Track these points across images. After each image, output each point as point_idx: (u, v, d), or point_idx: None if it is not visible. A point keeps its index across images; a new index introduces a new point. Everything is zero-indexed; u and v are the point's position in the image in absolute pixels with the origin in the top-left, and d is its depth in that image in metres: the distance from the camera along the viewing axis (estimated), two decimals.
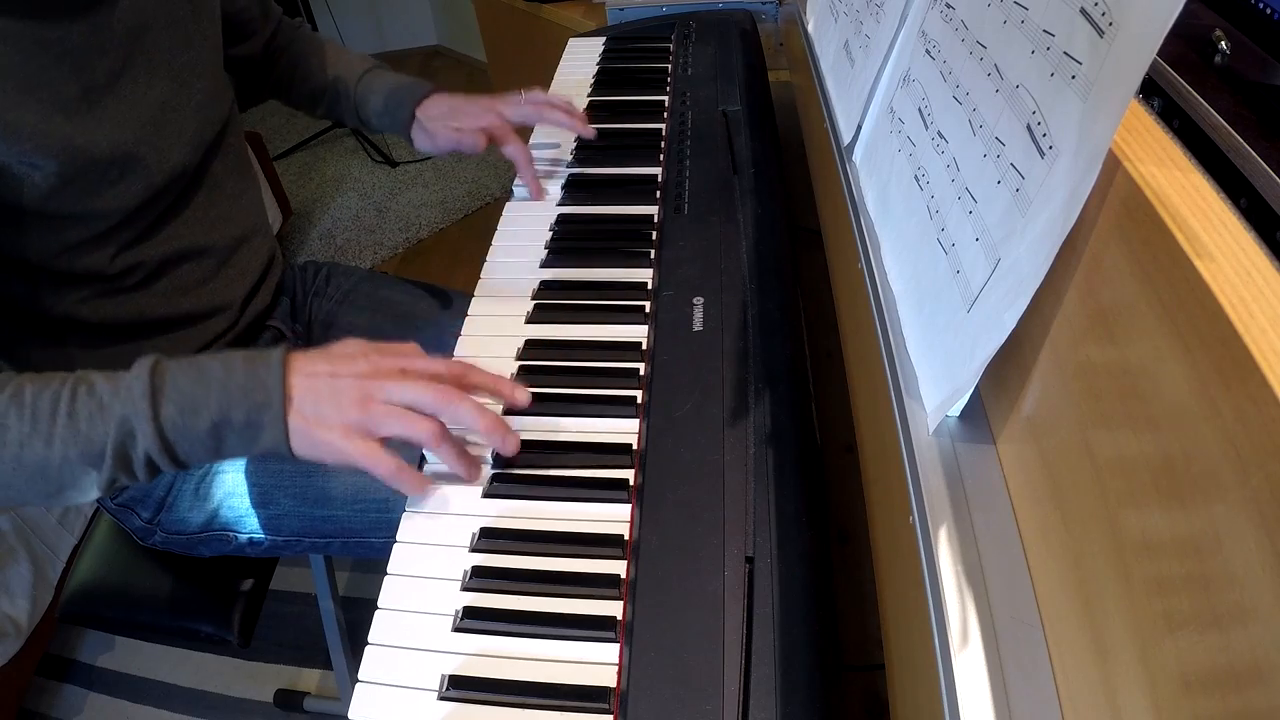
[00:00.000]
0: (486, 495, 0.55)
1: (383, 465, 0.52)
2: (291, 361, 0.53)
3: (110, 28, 0.62)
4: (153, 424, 0.50)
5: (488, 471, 0.56)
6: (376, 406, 0.52)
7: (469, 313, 0.70)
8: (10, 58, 0.55)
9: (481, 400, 0.57)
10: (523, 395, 0.59)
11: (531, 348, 0.66)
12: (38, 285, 0.65)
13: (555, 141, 0.93)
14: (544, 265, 0.75)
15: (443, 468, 0.56)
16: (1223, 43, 0.42)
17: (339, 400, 0.52)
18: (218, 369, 0.52)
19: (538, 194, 0.84)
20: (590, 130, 0.89)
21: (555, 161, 0.90)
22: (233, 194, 0.78)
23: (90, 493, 0.53)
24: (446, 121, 0.86)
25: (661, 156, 0.88)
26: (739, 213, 0.77)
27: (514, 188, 0.86)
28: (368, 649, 0.47)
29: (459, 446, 0.55)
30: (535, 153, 0.92)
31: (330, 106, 0.92)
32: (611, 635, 0.47)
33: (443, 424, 0.53)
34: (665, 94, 0.99)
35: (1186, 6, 0.28)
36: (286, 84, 0.92)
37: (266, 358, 0.53)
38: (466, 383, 0.56)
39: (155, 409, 0.50)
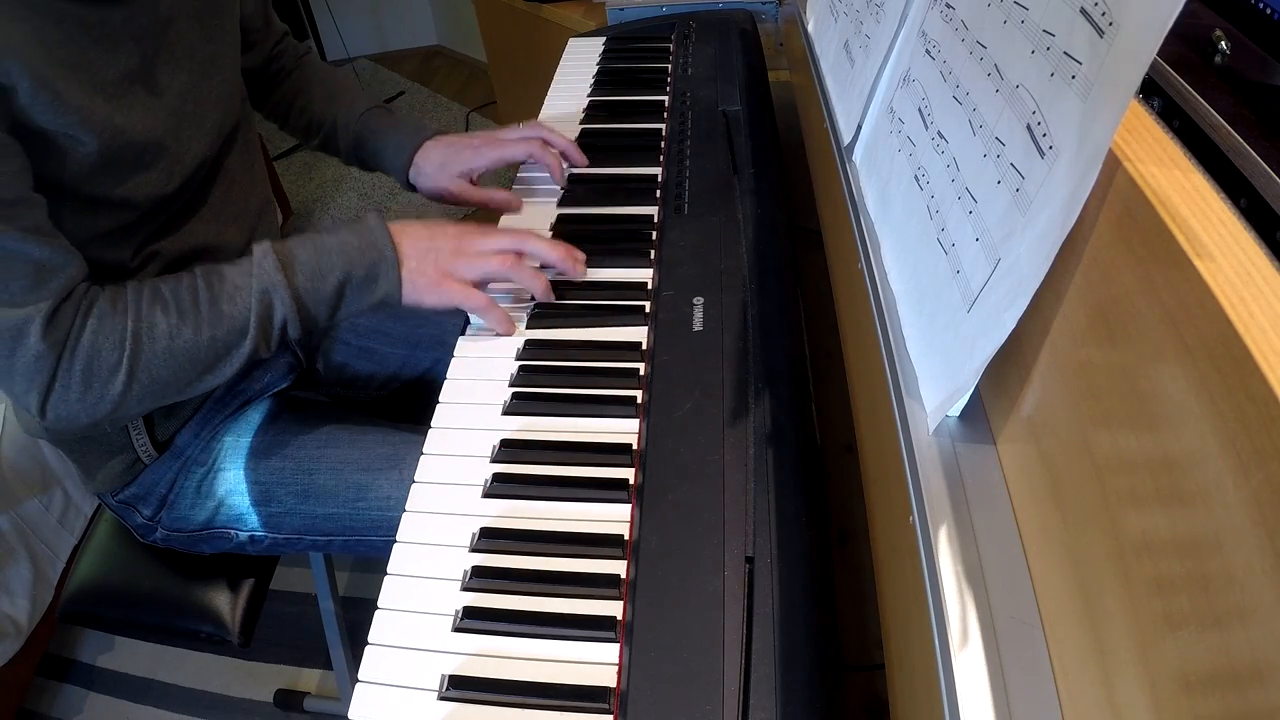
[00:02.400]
0: (486, 495, 0.55)
1: (476, 300, 0.66)
2: (391, 226, 0.66)
3: (143, 16, 0.63)
4: (288, 290, 0.61)
5: (488, 471, 0.56)
6: (467, 259, 0.66)
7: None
8: (58, 34, 0.57)
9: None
10: (579, 268, 0.71)
11: (531, 348, 0.66)
12: None
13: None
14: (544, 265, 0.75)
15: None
16: (1223, 43, 0.42)
17: (438, 255, 0.66)
18: (330, 240, 0.64)
19: (559, 177, 0.85)
20: (583, 160, 0.88)
21: (568, 164, 0.90)
22: (246, 189, 0.79)
23: (227, 372, 0.62)
24: (449, 170, 0.84)
25: (661, 156, 0.88)
26: (739, 213, 0.77)
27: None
28: (368, 649, 0.47)
29: (531, 271, 0.68)
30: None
31: (326, 141, 0.91)
32: (611, 635, 0.47)
33: (519, 257, 0.68)
34: (665, 94, 0.99)
35: (1186, 6, 0.28)
36: (285, 110, 0.91)
37: (366, 223, 0.65)
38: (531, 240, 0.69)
39: (289, 279, 0.61)
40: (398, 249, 0.64)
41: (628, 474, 0.55)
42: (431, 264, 0.65)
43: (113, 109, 0.61)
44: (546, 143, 0.85)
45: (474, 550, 0.52)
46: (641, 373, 0.63)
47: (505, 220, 0.82)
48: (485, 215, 0.82)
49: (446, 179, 0.84)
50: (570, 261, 0.69)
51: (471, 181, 0.85)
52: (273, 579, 0.86)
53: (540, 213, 0.82)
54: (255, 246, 0.62)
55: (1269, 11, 0.42)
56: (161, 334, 0.58)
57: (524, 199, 0.84)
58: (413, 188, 0.87)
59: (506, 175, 0.92)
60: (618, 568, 0.50)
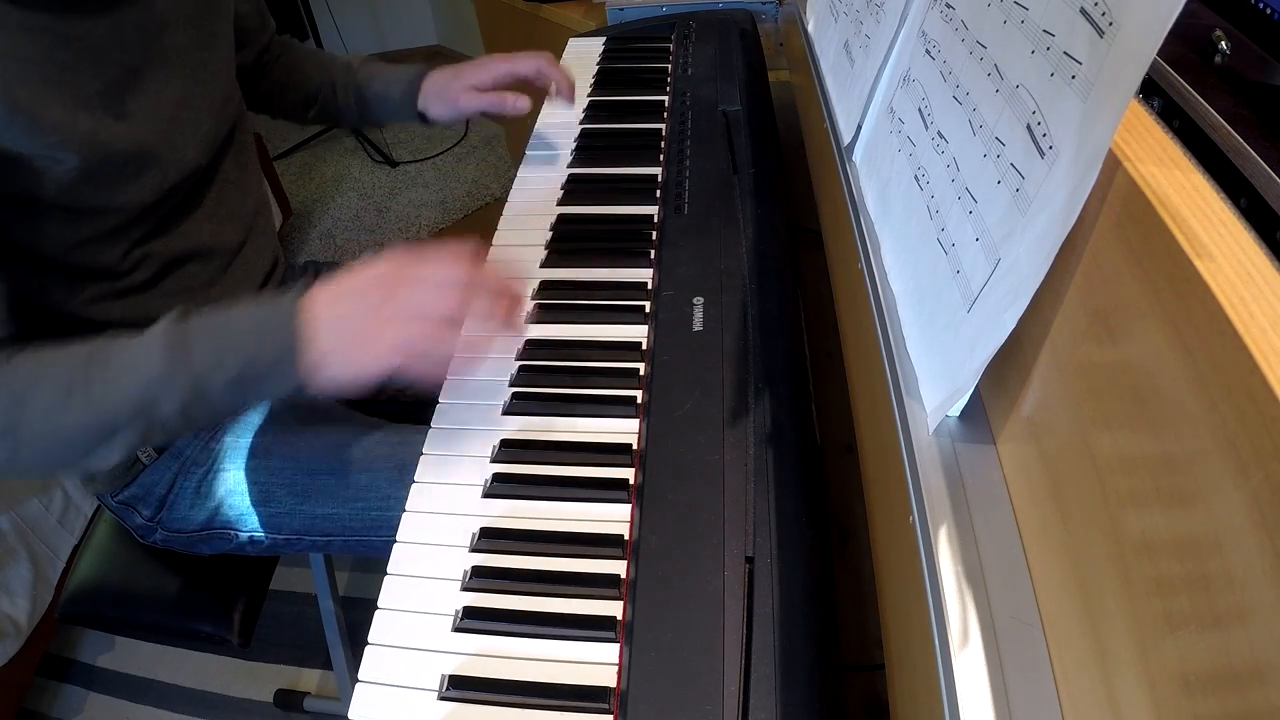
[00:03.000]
0: (486, 495, 0.55)
1: (403, 358, 0.53)
2: (312, 296, 0.54)
3: (131, 25, 0.62)
4: (180, 378, 0.52)
5: (488, 471, 0.56)
6: (390, 330, 0.53)
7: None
8: (35, 51, 0.56)
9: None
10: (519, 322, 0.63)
11: (532, 347, 0.66)
12: (49, 282, 0.65)
13: (555, 141, 0.93)
14: (544, 265, 0.75)
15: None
16: (1223, 43, 0.42)
17: (359, 327, 0.53)
18: (238, 318, 0.54)
19: (571, 96, 0.88)
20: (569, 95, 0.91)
21: (555, 161, 0.90)
22: (241, 192, 0.79)
23: (117, 454, 0.55)
24: (457, 83, 0.87)
25: (661, 156, 0.88)
26: (739, 213, 0.77)
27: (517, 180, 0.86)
28: (368, 649, 0.47)
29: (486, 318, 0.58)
30: (534, 153, 0.92)
31: (324, 107, 0.92)
32: (611, 635, 0.47)
33: (456, 323, 0.55)
34: (665, 94, 0.99)
35: (1186, 6, 0.28)
36: (278, 94, 0.92)
37: (281, 302, 0.54)
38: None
39: (183, 364, 0.52)
40: (312, 324, 0.53)
41: (628, 474, 0.55)
42: (353, 336, 0.53)
43: (96, 123, 0.60)
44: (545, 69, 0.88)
45: (474, 550, 0.52)
46: (641, 373, 0.63)
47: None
48: (485, 214, 0.82)
49: (456, 92, 0.86)
50: (506, 309, 0.58)
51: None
52: (273, 579, 0.86)
53: (541, 213, 0.82)
54: (162, 318, 0.54)
55: (1269, 11, 0.42)
56: (39, 410, 0.52)
57: (524, 201, 0.84)
58: (423, 119, 0.89)
59: (507, 176, 0.92)
60: (618, 568, 0.50)
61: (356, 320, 0.53)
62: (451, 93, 0.86)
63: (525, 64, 0.87)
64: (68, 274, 0.65)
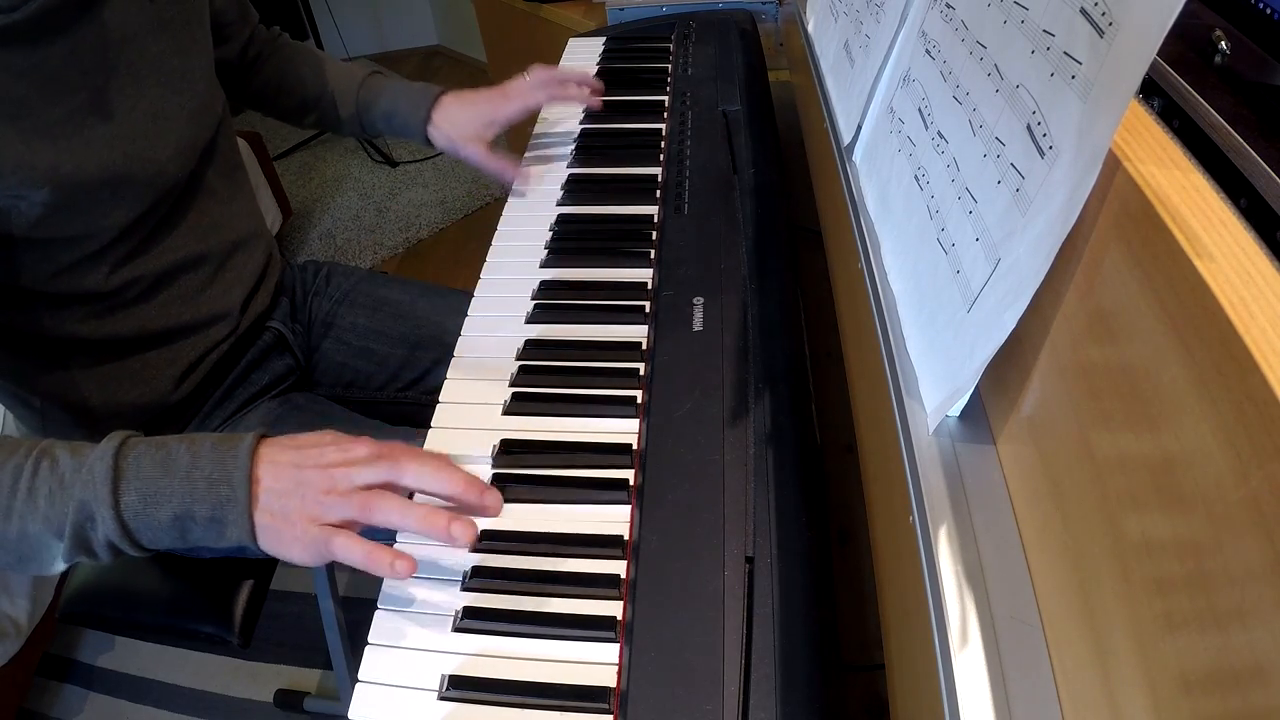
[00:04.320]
0: None
1: (354, 553, 0.49)
2: (260, 452, 0.50)
3: (91, 45, 0.60)
4: (112, 510, 0.48)
5: (488, 471, 0.56)
6: (340, 497, 0.49)
7: (469, 312, 0.70)
8: None
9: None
10: (493, 501, 0.53)
11: (531, 348, 0.66)
12: (34, 309, 0.64)
13: (555, 141, 0.93)
14: (544, 265, 0.75)
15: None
16: (1223, 43, 0.42)
17: (304, 494, 0.49)
18: (184, 457, 0.50)
19: (596, 103, 0.89)
20: (598, 101, 0.92)
21: (555, 161, 0.90)
22: (225, 200, 0.77)
23: (54, 566, 0.51)
24: (473, 124, 0.87)
25: (661, 156, 0.88)
26: (739, 213, 0.77)
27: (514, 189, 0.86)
28: (368, 649, 0.47)
29: (436, 516, 0.49)
30: (534, 152, 0.92)
31: (324, 115, 0.91)
32: (611, 635, 0.47)
33: (411, 507, 0.50)
34: (665, 94, 0.99)
35: (1186, 6, 0.28)
36: (272, 94, 0.91)
37: (235, 448, 0.50)
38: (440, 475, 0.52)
39: (115, 496, 0.48)
40: (253, 488, 0.49)
41: (628, 474, 0.55)
42: (296, 507, 0.49)
43: (59, 154, 0.57)
44: (561, 82, 0.89)
45: (474, 550, 0.52)
46: (641, 373, 0.63)
47: (508, 209, 0.82)
48: (485, 214, 0.82)
49: (467, 136, 0.86)
50: (469, 490, 0.51)
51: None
52: (273, 579, 0.86)
53: (541, 213, 0.82)
54: (108, 436, 0.51)
55: (1269, 11, 0.42)
56: None
57: (524, 201, 0.84)
58: (428, 143, 0.89)
59: (520, 143, 0.93)
60: (618, 568, 0.50)
61: (302, 486, 0.50)
62: (463, 137, 0.86)
63: (538, 96, 0.88)
64: (53, 300, 0.64)
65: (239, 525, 0.49)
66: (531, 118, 0.95)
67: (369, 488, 0.50)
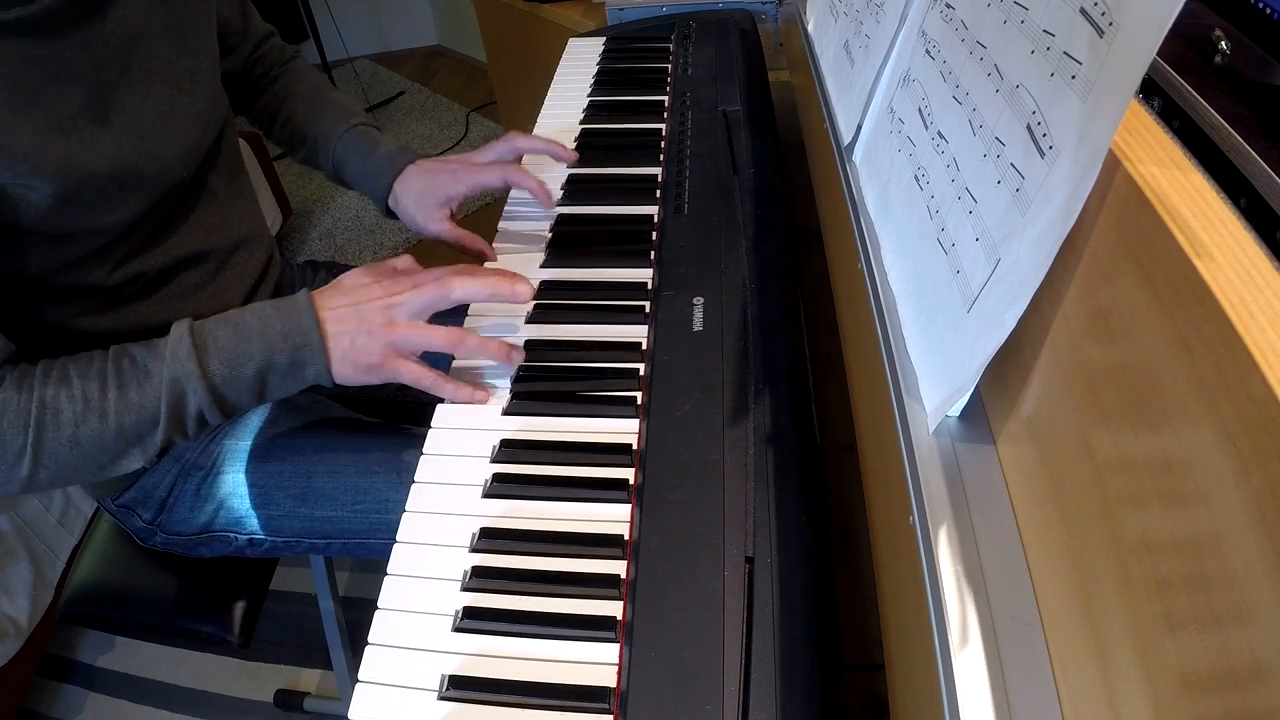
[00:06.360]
0: (486, 495, 0.55)
1: (424, 378, 0.60)
2: (317, 302, 0.59)
3: (104, 40, 0.60)
4: (203, 381, 0.56)
5: (488, 471, 0.56)
6: (400, 327, 0.59)
7: (469, 312, 0.70)
8: (1, 79, 0.54)
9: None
10: (524, 289, 0.61)
11: (532, 348, 0.66)
12: (37, 302, 0.64)
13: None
14: (544, 265, 0.75)
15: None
16: (1223, 43, 0.42)
17: (368, 326, 0.59)
18: (252, 320, 0.58)
19: (548, 202, 0.81)
20: (573, 156, 0.85)
21: (555, 161, 0.90)
22: (227, 200, 0.77)
23: (139, 460, 0.58)
24: (429, 198, 0.81)
25: (661, 156, 0.88)
26: (739, 213, 0.77)
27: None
28: (368, 649, 0.47)
29: (481, 339, 0.61)
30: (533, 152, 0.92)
31: (309, 156, 0.89)
32: (611, 635, 0.47)
33: (461, 330, 0.61)
34: (665, 94, 0.99)
35: (1186, 6, 0.28)
36: (269, 120, 0.91)
37: (294, 302, 0.59)
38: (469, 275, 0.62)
39: (203, 367, 0.56)
40: (324, 330, 0.59)
41: (628, 474, 0.55)
42: (365, 337, 0.59)
43: (70, 147, 0.58)
44: (521, 156, 0.83)
45: (474, 550, 0.52)
46: (641, 373, 0.63)
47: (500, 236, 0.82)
48: (485, 214, 0.81)
49: (425, 212, 0.81)
50: (502, 283, 0.61)
51: (451, 213, 0.82)
52: (273, 579, 0.86)
53: (541, 212, 0.82)
54: (174, 326, 0.58)
55: (1269, 11, 0.42)
56: (67, 420, 0.54)
57: (523, 201, 0.84)
58: (393, 215, 0.84)
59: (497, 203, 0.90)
60: (618, 568, 0.50)
61: (366, 323, 0.59)
62: (420, 213, 0.81)
63: (492, 175, 0.79)
64: (56, 294, 0.64)
65: (316, 364, 0.59)
66: (532, 117, 0.95)
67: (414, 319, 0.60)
